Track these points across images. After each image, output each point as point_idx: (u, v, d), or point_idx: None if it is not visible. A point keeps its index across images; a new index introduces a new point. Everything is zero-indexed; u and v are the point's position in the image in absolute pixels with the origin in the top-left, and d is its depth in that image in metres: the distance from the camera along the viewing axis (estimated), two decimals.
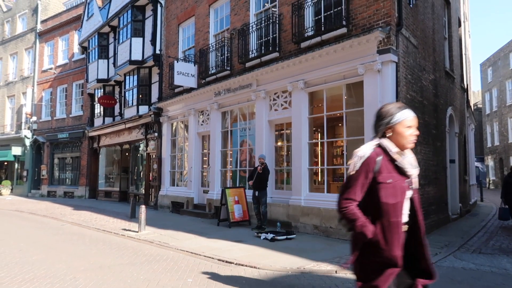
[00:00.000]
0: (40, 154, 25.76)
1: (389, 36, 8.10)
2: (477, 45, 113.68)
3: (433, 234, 9.19)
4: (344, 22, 8.91)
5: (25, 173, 25.98)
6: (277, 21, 10.75)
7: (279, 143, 11.34)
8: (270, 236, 8.60)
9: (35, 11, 26.87)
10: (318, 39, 9.48)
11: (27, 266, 6.50)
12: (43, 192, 24.85)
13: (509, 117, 35.02)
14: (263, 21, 11.20)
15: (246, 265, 6.47)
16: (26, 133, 25.72)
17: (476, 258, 6.94)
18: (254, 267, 6.36)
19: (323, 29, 9.41)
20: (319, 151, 10.08)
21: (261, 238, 8.71)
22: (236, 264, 6.60)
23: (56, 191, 24.22)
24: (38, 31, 26.28)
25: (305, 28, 9.82)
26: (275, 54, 10.71)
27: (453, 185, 12.13)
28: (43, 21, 26.39)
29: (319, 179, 10.07)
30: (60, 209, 16.06)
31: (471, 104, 21.33)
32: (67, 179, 24.22)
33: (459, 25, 15.27)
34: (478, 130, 29.60)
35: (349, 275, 5.84)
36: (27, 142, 25.82)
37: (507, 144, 34.85)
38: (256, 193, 9.98)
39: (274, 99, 11.01)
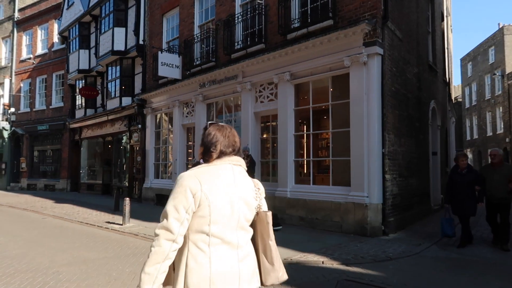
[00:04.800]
0: (19, 147, 25.11)
1: (375, 28, 8.13)
2: (458, 40, 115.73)
3: (416, 225, 9.37)
4: (330, 14, 8.91)
5: (3, 166, 25.29)
6: (263, 12, 10.67)
7: (265, 135, 11.32)
8: None
9: None
10: (304, 31, 9.45)
11: (7, 260, 6.34)
12: (23, 185, 24.28)
13: (487, 111, 35.86)
14: (249, 12, 11.11)
15: None
16: (4, 124, 25.02)
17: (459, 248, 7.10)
18: None
19: (309, 21, 9.39)
20: (305, 143, 10.10)
21: None
22: None
23: (37, 184, 23.69)
24: (15, 19, 25.46)
25: (292, 19, 9.78)
26: (261, 46, 10.64)
27: (435, 177, 12.37)
28: (20, 10, 25.57)
29: (305, 171, 10.11)
30: (41, 202, 15.72)
31: (452, 97, 21.73)
32: (48, 172, 23.71)
33: (442, 20, 15.47)
34: (457, 123, 30.28)
35: (335, 265, 5.90)
36: (5, 134, 25.13)
37: (486, 138, 35.73)
38: None
39: (260, 91, 10.96)
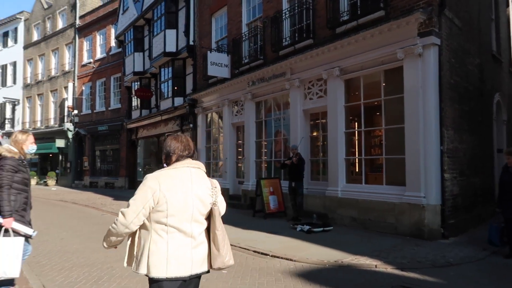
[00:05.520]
0: (82, 146, 26.74)
1: (431, 17, 7.61)
2: None
3: (480, 228, 8.68)
4: (381, 5, 8.48)
5: (68, 165, 27.10)
6: (311, 7, 10.43)
7: (315, 133, 11.09)
8: (306, 227, 8.43)
9: (73, 7, 27.68)
10: (354, 23, 9.10)
11: (68, 255, 6.70)
12: (86, 182, 25.83)
13: None
14: (296, 8, 10.90)
15: (281, 257, 6.36)
16: (68, 126, 26.74)
17: None
18: (290, 260, 6.23)
19: (359, 13, 9.02)
20: (356, 141, 9.73)
21: (297, 229, 8.57)
22: (271, 256, 6.50)
23: (98, 182, 25.10)
24: (77, 26, 27.08)
25: (340, 12, 9.45)
26: (309, 41, 10.41)
27: None
28: (81, 17, 27.15)
29: (357, 170, 9.75)
30: (101, 199, 16.60)
31: None
32: (108, 171, 25.01)
33: (507, 5, 14.27)
34: None
35: (389, 269, 5.60)
36: (70, 135, 26.85)
37: None
38: (292, 184, 9.83)
39: (308, 88, 10.74)
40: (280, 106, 12.11)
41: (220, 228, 2.46)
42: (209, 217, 2.48)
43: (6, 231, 3.96)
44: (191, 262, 2.35)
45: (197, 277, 2.44)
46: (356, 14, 9.09)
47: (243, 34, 13.17)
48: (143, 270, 2.32)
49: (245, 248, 7.05)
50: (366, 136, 9.40)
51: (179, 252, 2.32)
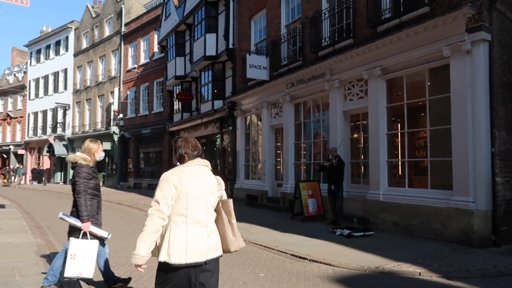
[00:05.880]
0: (127, 149, 27.72)
1: (481, 12, 7.19)
2: None
3: None
4: (426, 1, 8.12)
5: (114, 167, 28.19)
6: (351, 6, 10.19)
7: (355, 135, 10.80)
8: (346, 232, 8.20)
9: (119, 15, 28.84)
10: (396, 21, 8.78)
11: (111, 253, 6.85)
12: (130, 184, 26.74)
13: None
14: (336, 7, 10.70)
15: (320, 262, 6.21)
16: (114, 129, 27.83)
17: None
18: (329, 264, 6.07)
19: (402, 10, 8.69)
20: (399, 143, 9.36)
21: (337, 233, 8.36)
22: (309, 260, 6.37)
23: (141, 183, 25.90)
24: (122, 33, 28.19)
25: (382, 10, 9.16)
26: (349, 41, 10.17)
27: None
28: (126, 24, 28.22)
29: (400, 173, 9.38)
30: (144, 200, 17.08)
31: None
32: (151, 172, 25.75)
33: None
34: None
35: (435, 278, 5.30)
36: (115, 138, 27.92)
37: None
38: (332, 187, 9.62)
39: (349, 89, 10.49)
40: (319, 107, 11.92)
41: (234, 217, 2.90)
42: (218, 209, 2.86)
43: (84, 234, 4.27)
44: (206, 249, 2.64)
45: (213, 260, 2.71)
46: (399, 11, 8.76)
47: (282, 35, 13.11)
48: (163, 257, 2.57)
49: (282, 252, 6.96)
50: (409, 138, 9.02)
51: (196, 241, 2.61)
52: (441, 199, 7.69)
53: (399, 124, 9.47)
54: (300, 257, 6.55)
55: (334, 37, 10.79)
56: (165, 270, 2.60)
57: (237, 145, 15.99)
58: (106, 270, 4.74)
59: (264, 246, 7.44)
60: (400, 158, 9.29)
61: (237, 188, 15.71)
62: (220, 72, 17.66)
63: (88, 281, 4.81)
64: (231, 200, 2.91)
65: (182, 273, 2.58)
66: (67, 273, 4.25)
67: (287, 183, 12.73)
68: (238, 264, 6.18)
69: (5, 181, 29.32)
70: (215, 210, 2.83)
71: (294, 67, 12.34)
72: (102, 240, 4.56)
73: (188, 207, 2.62)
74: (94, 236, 4.40)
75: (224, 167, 17.60)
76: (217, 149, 18.76)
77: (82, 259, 4.18)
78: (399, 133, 9.38)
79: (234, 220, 2.89)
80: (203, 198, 2.69)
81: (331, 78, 10.74)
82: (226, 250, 2.85)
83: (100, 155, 4.67)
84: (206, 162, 2.86)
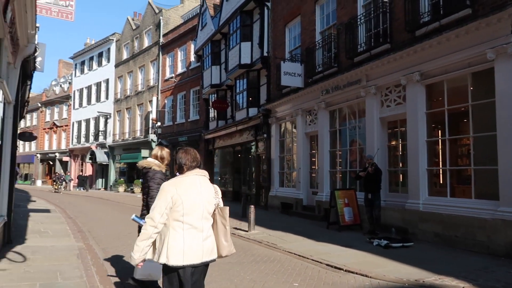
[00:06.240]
0: None
1: None
2: None
3: None
4: (468, 2, 7.81)
5: None
6: (387, 10, 9.97)
7: (393, 142, 10.50)
8: (383, 242, 7.94)
9: (158, 26, 29.75)
10: (436, 24, 8.48)
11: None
12: None
13: None
14: (372, 12, 10.50)
15: (356, 273, 6.03)
16: (152, 137, 28.58)
17: None
18: (366, 276, 5.88)
19: (441, 12, 8.39)
20: (440, 150, 8.98)
21: (374, 244, 8.10)
22: (345, 270, 6.20)
23: None
24: (160, 44, 29.04)
25: (420, 14, 8.88)
26: (386, 46, 9.94)
27: None
28: (164, 35, 29.06)
29: (441, 182, 8.99)
30: None
31: None
32: None
33: None
34: None
35: None
36: (153, 145, 28.61)
37: None
38: (369, 196, 9.37)
39: (386, 95, 10.23)
40: (355, 114, 11.70)
41: (228, 224, 3.13)
42: (215, 216, 3.09)
43: None
44: (202, 252, 2.90)
45: (205, 265, 3.00)
46: (439, 14, 8.47)
47: (316, 42, 13.02)
48: (163, 259, 2.84)
49: (317, 261, 6.82)
50: (451, 145, 8.64)
51: (193, 244, 2.86)
52: (486, 210, 7.29)
53: (439, 131, 9.11)
54: (335, 267, 6.39)
55: (370, 42, 10.58)
56: (166, 271, 2.91)
57: (272, 153, 15.96)
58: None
59: (299, 255, 7.32)
60: (441, 166, 8.90)
61: (271, 196, 15.65)
62: (255, 80, 17.76)
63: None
64: (227, 208, 3.12)
65: (178, 274, 2.86)
66: (138, 275, 4.46)
67: (322, 191, 12.53)
68: (272, 273, 6.12)
69: (56, 187, 30.67)
70: (212, 217, 3.07)
71: (329, 73, 12.20)
72: None
73: (185, 214, 2.86)
74: None
75: (258, 174, 17.60)
76: (252, 156, 18.80)
77: (151, 261, 4.26)
78: (439, 140, 9.02)
79: (228, 227, 3.12)
80: (200, 206, 2.93)
81: (367, 84, 10.52)
82: (218, 255, 3.08)
83: (169, 162, 4.95)
84: (204, 172, 3.12)
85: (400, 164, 10.05)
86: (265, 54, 16.51)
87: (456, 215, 7.83)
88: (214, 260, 3.03)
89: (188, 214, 2.88)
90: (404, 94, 9.52)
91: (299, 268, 6.51)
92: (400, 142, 10.09)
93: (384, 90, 10.24)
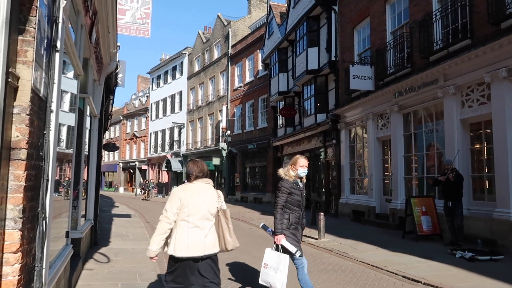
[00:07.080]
0: (234, 164, 28.97)
1: None
2: None
3: None
4: None
5: (223, 181, 29.65)
6: (467, 3, 9.24)
7: (476, 145, 9.64)
8: (468, 254, 7.26)
9: (226, 38, 30.68)
10: None
11: (220, 263, 7.12)
12: (237, 197, 27.78)
13: None
14: (449, 7, 9.81)
15: (437, 287, 5.56)
16: (222, 145, 29.38)
17: None
18: None
19: None
20: None
21: (456, 256, 7.44)
22: (424, 283, 5.75)
23: (248, 196, 26.72)
24: (229, 55, 29.89)
25: (506, 4, 8.09)
26: (466, 42, 9.20)
27: None
28: (233, 46, 29.87)
29: None
30: (250, 213, 17.52)
31: None
32: (256, 186, 26.45)
33: None
34: None
35: None
36: (224, 153, 29.43)
37: None
38: (449, 204, 8.65)
39: (467, 94, 9.45)
40: (432, 116, 10.96)
41: (230, 223, 3.75)
42: (219, 216, 3.70)
43: (278, 246, 4.40)
44: (203, 247, 3.46)
45: (209, 257, 3.50)
46: None
47: (387, 43, 12.47)
48: (170, 251, 3.44)
49: (393, 272, 6.41)
50: None
51: (195, 240, 3.44)
52: None
53: None
54: (413, 280, 5.95)
55: (448, 39, 9.87)
56: (172, 260, 3.49)
57: (342, 159, 15.51)
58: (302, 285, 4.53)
59: (372, 265, 6.96)
60: None
61: (342, 203, 15.19)
62: (323, 85, 17.47)
63: None
64: (228, 210, 3.77)
65: (184, 263, 3.43)
66: (261, 280, 4.43)
67: (396, 198, 11.87)
68: (344, 283, 5.86)
69: (145, 195, 32.46)
70: (216, 217, 3.67)
71: (402, 75, 11.59)
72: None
73: (189, 215, 3.45)
74: (286, 251, 4.36)
75: (328, 181, 17.20)
76: (321, 163, 18.44)
77: (272, 270, 4.28)
78: None
79: (231, 225, 3.75)
80: (202, 208, 3.51)
81: (445, 84, 9.81)
82: (224, 249, 3.69)
83: (299, 170, 4.51)
84: (209, 181, 3.71)
85: (486, 169, 9.18)
86: (333, 58, 16.19)
87: None
88: (216, 253, 3.58)
89: (192, 215, 3.46)
90: (489, 93, 8.71)
91: (373, 279, 6.17)
92: (485, 145, 9.23)
93: (465, 90, 9.47)
